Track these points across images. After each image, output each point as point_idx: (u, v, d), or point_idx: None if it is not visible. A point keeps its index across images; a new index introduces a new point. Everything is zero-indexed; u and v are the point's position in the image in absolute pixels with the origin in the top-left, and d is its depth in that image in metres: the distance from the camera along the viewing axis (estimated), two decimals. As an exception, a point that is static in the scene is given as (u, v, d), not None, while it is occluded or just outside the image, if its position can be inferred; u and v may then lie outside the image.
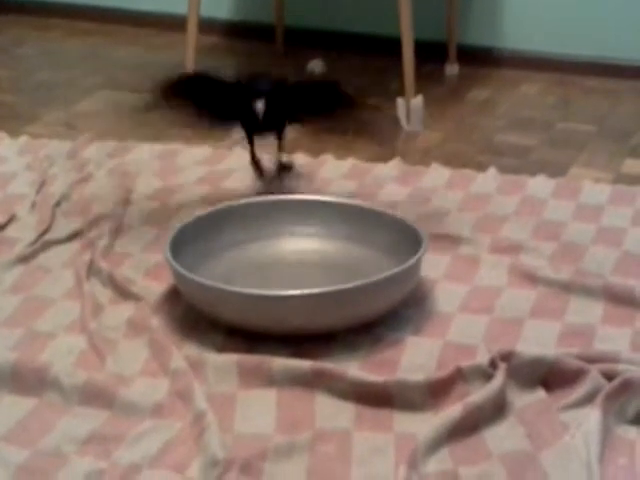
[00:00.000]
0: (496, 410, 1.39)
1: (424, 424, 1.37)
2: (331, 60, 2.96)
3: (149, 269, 1.79)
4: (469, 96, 2.76)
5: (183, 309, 1.65)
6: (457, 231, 1.91)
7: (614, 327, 1.61)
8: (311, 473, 1.31)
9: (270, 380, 1.46)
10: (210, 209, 1.83)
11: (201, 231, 1.76)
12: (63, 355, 1.54)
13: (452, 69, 2.93)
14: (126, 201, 2.05)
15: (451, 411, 1.37)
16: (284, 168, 2.06)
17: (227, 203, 1.87)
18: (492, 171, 2.19)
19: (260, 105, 1.84)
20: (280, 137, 2.01)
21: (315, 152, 2.27)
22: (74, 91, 2.77)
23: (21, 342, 1.58)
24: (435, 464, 1.31)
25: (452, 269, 1.79)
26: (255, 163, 2.07)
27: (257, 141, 2.01)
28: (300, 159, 2.19)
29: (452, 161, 2.27)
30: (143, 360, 1.53)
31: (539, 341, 1.57)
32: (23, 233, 1.91)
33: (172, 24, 3.16)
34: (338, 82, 1.98)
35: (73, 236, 1.91)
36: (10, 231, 1.94)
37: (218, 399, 1.43)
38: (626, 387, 1.41)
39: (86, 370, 1.49)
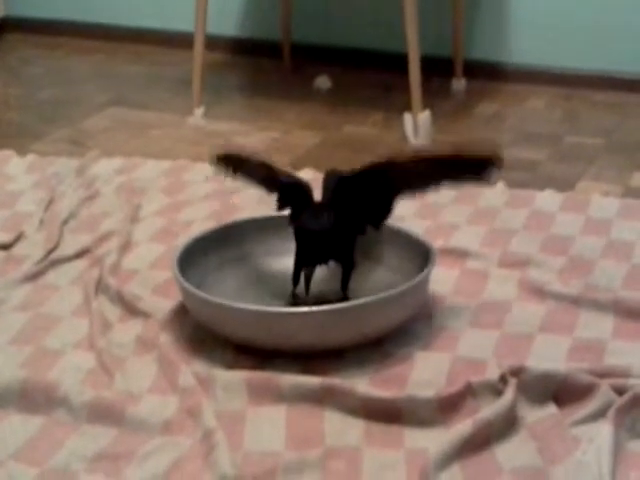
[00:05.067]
0: (507, 425, 1.39)
1: (434, 440, 1.36)
2: (338, 76, 2.96)
3: (157, 286, 1.79)
4: (476, 111, 2.76)
5: (192, 326, 1.65)
6: (465, 245, 1.91)
7: (624, 341, 1.60)
8: (321, 490, 1.30)
9: (279, 397, 1.46)
10: (218, 225, 1.83)
11: (209, 247, 1.76)
12: (72, 373, 1.54)
13: (459, 84, 2.93)
14: (134, 218, 2.05)
15: (462, 427, 1.36)
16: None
17: (235, 219, 1.87)
18: (500, 185, 2.19)
19: (307, 273, 1.68)
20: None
21: (323, 167, 2.26)
22: (81, 108, 2.78)
23: (29, 360, 1.58)
24: (446, 480, 1.30)
25: (461, 284, 1.79)
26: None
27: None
28: (308, 174, 2.19)
29: (460, 176, 2.27)
30: (152, 377, 1.53)
31: (549, 356, 1.57)
32: (31, 251, 1.91)
33: (178, 41, 3.17)
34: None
35: (81, 253, 1.91)
36: (18, 249, 1.94)
37: (227, 416, 1.43)
38: (637, 401, 1.41)
39: (95, 388, 1.49)
